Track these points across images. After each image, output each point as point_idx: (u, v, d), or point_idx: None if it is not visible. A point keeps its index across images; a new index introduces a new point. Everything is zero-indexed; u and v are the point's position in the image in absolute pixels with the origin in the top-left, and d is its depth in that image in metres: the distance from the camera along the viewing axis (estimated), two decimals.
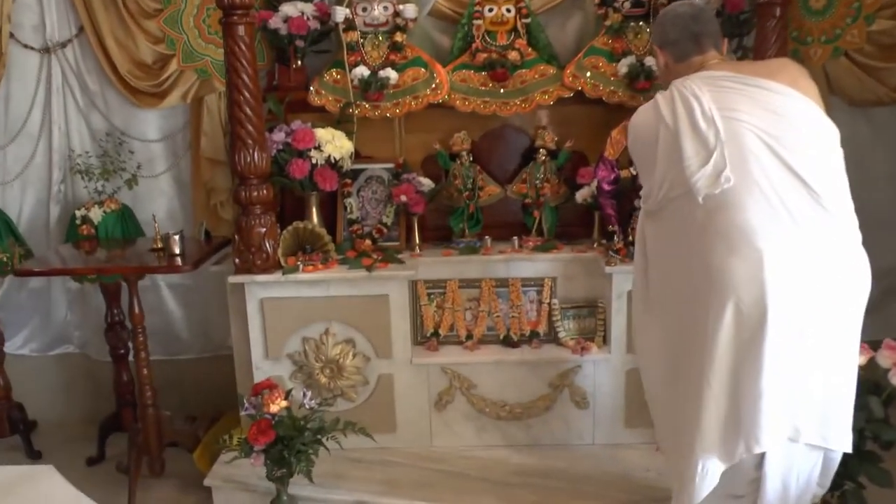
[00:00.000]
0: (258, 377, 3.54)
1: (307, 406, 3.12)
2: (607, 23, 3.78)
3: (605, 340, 3.66)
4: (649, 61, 3.69)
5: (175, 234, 3.56)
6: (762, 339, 2.32)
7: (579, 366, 3.61)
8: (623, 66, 3.71)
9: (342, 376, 3.54)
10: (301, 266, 3.47)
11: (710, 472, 2.44)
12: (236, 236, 3.45)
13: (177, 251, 3.51)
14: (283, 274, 3.44)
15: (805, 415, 2.42)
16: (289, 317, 3.50)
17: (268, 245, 3.45)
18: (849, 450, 2.48)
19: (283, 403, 3.05)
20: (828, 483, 2.57)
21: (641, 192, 2.73)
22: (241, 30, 3.23)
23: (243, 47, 3.25)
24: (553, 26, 4.00)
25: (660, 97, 2.57)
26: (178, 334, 4.43)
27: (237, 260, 3.44)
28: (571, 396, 3.64)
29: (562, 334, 3.69)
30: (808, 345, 2.36)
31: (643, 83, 3.70)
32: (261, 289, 3.48)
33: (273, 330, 3.51)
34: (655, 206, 2.58)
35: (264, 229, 3.45)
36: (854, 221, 2.42)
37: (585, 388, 3.63)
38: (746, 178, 2.36)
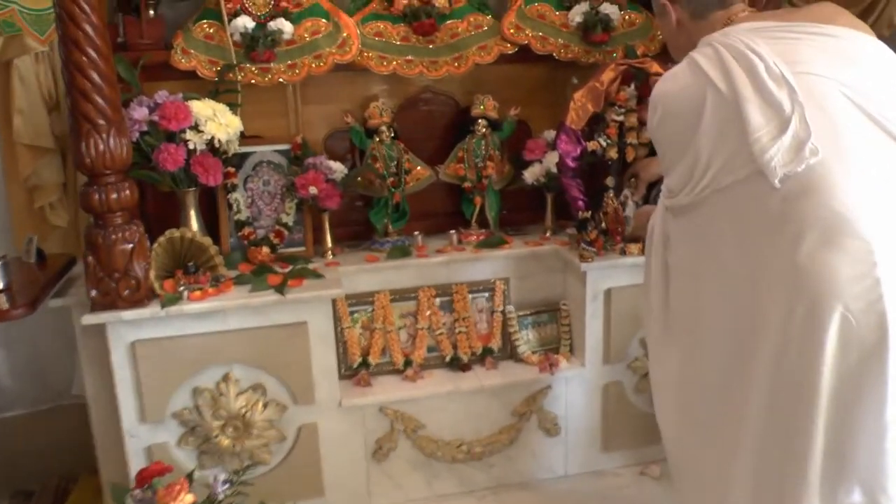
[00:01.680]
0: (133, 448, 2.57)
1: (219, 494, 2.23)
2: None
3: (572, 350, 2.99)
4: (606, 8, 3.01)
5: None
6: (884, 358, 1.75)
7: (549, 386, 2.92)
8: (576, 15, 3.00)
9: (250, 434, 2.64)
10: (185, 292, 2.52)
11: None
12: (90, 258, 2.43)
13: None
14: (164, 306, 2.47)
15: None
16: (173, 364, 2.54)
17: (137, 267, 2.47)
18: None
19: (189, 499, 2.13)
20: None
21: (665, 184, 2.07)
22: None
23: None
24: None
25: (699, 56, 1.94)
26: None
27: (94, 292, 2.44)
28: (540, 423, 2.96)
29: (522, 349, 2.98)
30: None
31: (600, 35, 3.01)
32: (131, 329, 2.49)
33: (151, 384, 2.54)
34: (691, 199, 1.94)
35: (130, 245, 2.46)
36: None
37: (556, 411, 2.96)
38: (838, 149, 1.79)
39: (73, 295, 2.59)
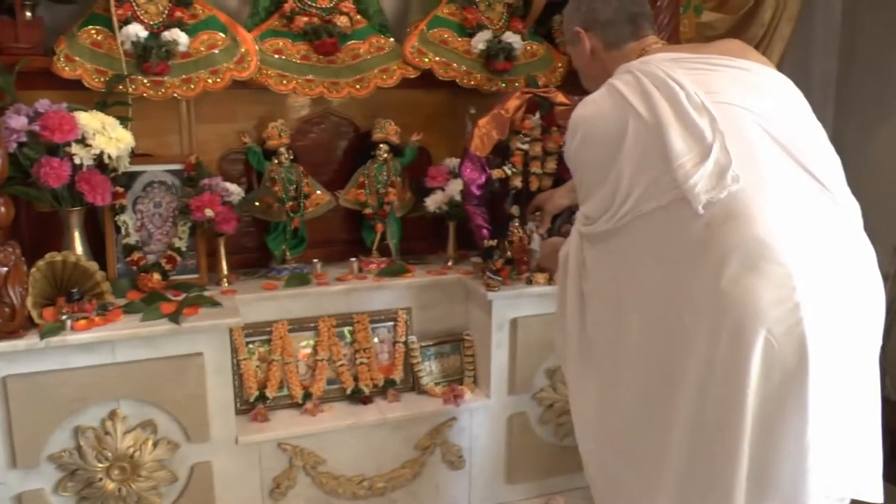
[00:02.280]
0: (1, 497, 2.28)
1: None
2: None
3: (476, 381, 2.94)
4: (509, 38, 3.02)
5: None
6: (804, 380, 1.78)
7: (453, 418, 2.85)
8: (479, 42, 2.99)
9: (139, 476, 2.40)
10: (69, 321, 2.28)
11: None
12: None
13: None
14: (44, 337, 2.22)
15: (837, 464, 1.93)
16: (51, 401, 2.28)
17: (12, 293, 2.21)
18: (880, 499, 2.04)
19: None
20: None
21: (582, 211, 2.05)
22: None
23: None
24: None
25: (619, 83, 1.96)
26: None
27: None
28: (444, 456, 2.87)
29: (425, 380, 2.90)
30: (846, 379, 1.87)
31: (503, 63, 3.01)
32: (2, 363, 2.22)
33: (24, 424, 2.26)
34: (611, 225, 1.94)
35: (4, 269, 2.20)
36: (859, 213, 1.99)
37: (460, 443, 2.88)
38: (757, 177, 1.84)
39: None
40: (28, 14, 2.59)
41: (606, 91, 1.96)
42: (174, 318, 2.39)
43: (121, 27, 2.56)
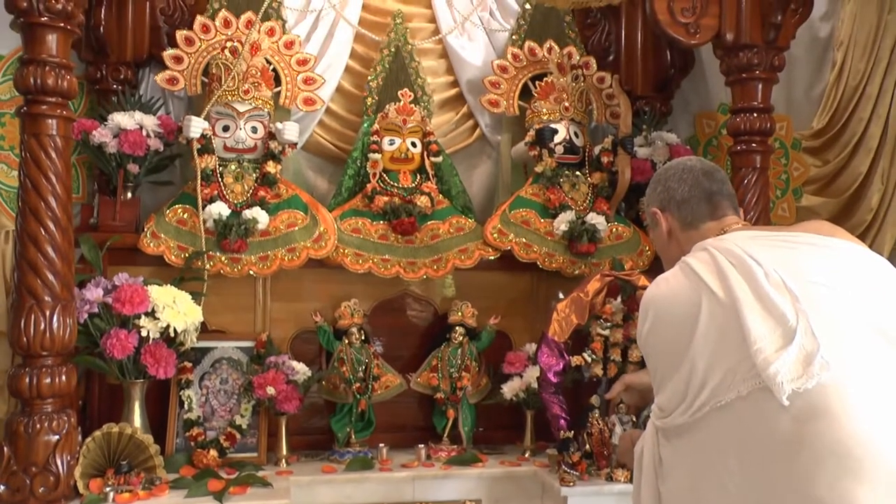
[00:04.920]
0: None
1: None
2: (538, 169, 3.02)
3: None
4: (593, 219, 2.94)
5: None
6: None
7: None
8: (562, 223, 2.93)
9: None
10: (112, 493, 2.24)
11: None
12: (6, 448, 2.17)
13: None
14: None
15: None
16: None
17: (59, 462, 2.20)
18: None
19: None
20: None
21: (656, 402, 1.84)
22: (52, 126, 2.15)
23: (52, 153, 2.16)
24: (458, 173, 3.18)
25: (692, 260, 1.80)
26: None
27: (2, 487, 2.15)
28: None
29: None
30: None
31: (586, 245, 2.92)
32: None
33: None
34: (686, 418, 1.70)
35: (56, 437, 2.21)
36: None
37: None
38: (849, 364, 1.59)
39: None
40: (129, 195, 2.76)
41: (679, 269, 1.81)
42: (219, 496, 2.31)
43: (205, 206, 2.67)
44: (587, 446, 2.62)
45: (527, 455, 2.84)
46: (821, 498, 1.49)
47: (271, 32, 2.92)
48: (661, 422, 1.80)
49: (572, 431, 2.62)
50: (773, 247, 1.76)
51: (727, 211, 1.94)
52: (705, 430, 1.67)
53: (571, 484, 2.51)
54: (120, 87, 2.87)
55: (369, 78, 3.06)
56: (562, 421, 2.67)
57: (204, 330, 2.69)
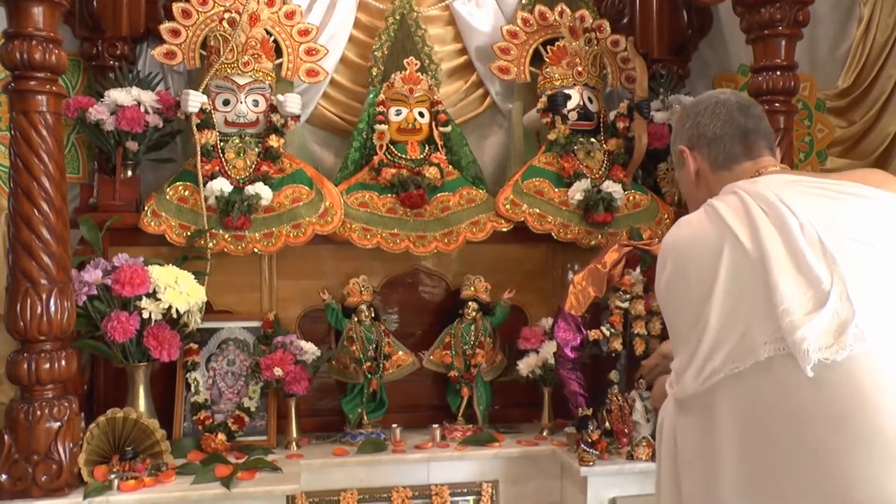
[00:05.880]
0: None
1: None
2: (552, 136, 2.90)
3: None
4: (609, 187, 2.82)
5: None
6: None
7: None
8: (577, 192, 2.81)
9: None
10: (116, 481, 2.17)
11: None
12: (6, 436, 2.11)
13: None
14: (87, 496, 2.11)
15: None
16: None
17: (61, 450, 2.14)
18: None
19: None
20: None
21: (673, 365, 1.71)
22: (41, 102, 2.07)
23: (43, 131, 2.08)
24: (469, 143, 3.06)
25: (719, 203, 1.61)
26: None
27: (4, 476, 2.09)
28: None
29: None
30: None
31: (603, 215, 2.81)
32: None
33: None
34: (697, 386, 1.56)
35: (58, 424, 2.14)
36: None
37: None
38: (887, 338, 1.43)
39: None
40: (129, 172, 2.68)
41: (704, 212, 1.64)
42: (226, 482, 2.24)
43: (206, 183, 2.59)
44: (606, 424, 2.52)
45: (544, 434, 2.75)
46: (848, 490, 1.37)
47: (271, 3, 2.81)
48: (675, 390, 1.67)
49: (591, 409, 2.52)
50: (812, 195, 1.58)
51: (763, 151, 1.75)
52: (718, 400, 1.52)
53: (591, 463, 2.42)
54: (117, 64, 2.77)
55: (374, 47, 2.94)
56: (580, 398, 2.57)
57: (209, 310, 2.62)
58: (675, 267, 1.62)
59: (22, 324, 2.11)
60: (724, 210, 1.58)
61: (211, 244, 2.59)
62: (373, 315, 2.72)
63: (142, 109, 2.60)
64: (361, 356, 2.68)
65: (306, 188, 2.69)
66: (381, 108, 2.83)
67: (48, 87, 2.11)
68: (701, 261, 1.56)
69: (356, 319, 2.70)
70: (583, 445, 2.47)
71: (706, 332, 1.52)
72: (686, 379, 1.57)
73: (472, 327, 2.79)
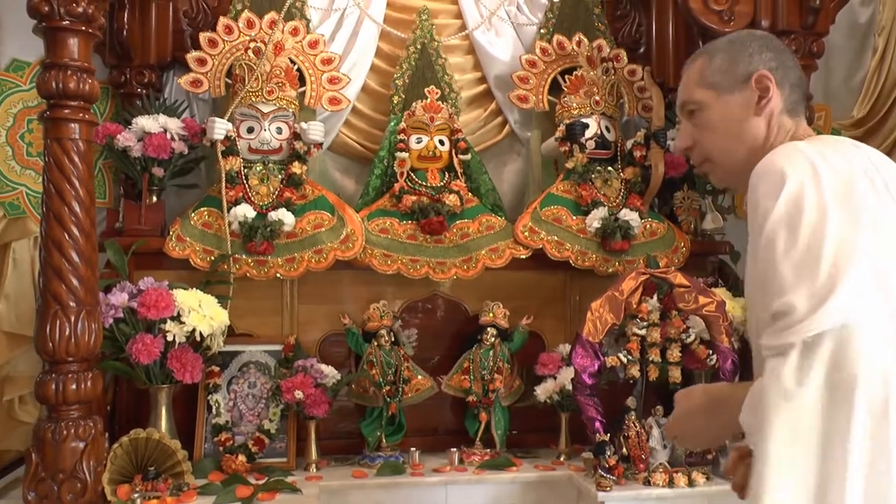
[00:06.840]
0: None
1: None
2: (569, 165, 2.94)
3: None
4: (626, 215, 2.86)
5: None
6: None
7: None
8: (594, 220, 2.85)
9: None
10: (139, 500, 2.21)
11: None
12: (34, 455, 2.15)
13: None
14: None
15: None
16: None
17: (86, 469, 2.17)
18: None
19: None
20: None
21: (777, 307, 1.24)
22: (74, 129, 2.13)
23: (75, 157, 2.14)
24: (488, 171, 3.10)
25: (821, 147, 1.41)
26: None
27: (31, 494, 2.12)
28: None
29: None
30: None
31: (620, 243, 2.84)
32: None
33: None
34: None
35: (83, 444, 2.18)
36: None
37: None
38: None
39: (12, 498, 2.28)
40: (154, 198, 2.74)
41: (808, 143, 1.44)
42: (247, 503, 2.26)
43: (230, 208, 2.64)
44: (624, 449, 2.54)
45: (562, 459, 2.77)
46: None
47: (295, 32, 2.88)
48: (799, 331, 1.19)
49: (608, 434, 2.54)
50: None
51: (804, 116, 1.59)
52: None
53: (608, 489, 2.43)
54: (144, 91, 2.85)
55: (395, 76, 3.01)
56: (597, 423, 2.58)
57: (231, 334, 2.66)
58: (815, 173, 1.33)
59: (51, 345, 2.15)
60: (833, 156, 1.37)
61: (234, 269, 2.64)
62: (392, 340, 2.76)
63: (168, 136, 2.67)
64: (381, 380, 2.71)
65: (328, 214, 2.74)
66: (402, 136, 2.88)
67: (81, 115, 2.17)
68: (840, 177, 1.34)
69: (376, 344, 2.74)
70: (600, 471, 2.48)
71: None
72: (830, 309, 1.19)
73: (491, 353, 2.81)
